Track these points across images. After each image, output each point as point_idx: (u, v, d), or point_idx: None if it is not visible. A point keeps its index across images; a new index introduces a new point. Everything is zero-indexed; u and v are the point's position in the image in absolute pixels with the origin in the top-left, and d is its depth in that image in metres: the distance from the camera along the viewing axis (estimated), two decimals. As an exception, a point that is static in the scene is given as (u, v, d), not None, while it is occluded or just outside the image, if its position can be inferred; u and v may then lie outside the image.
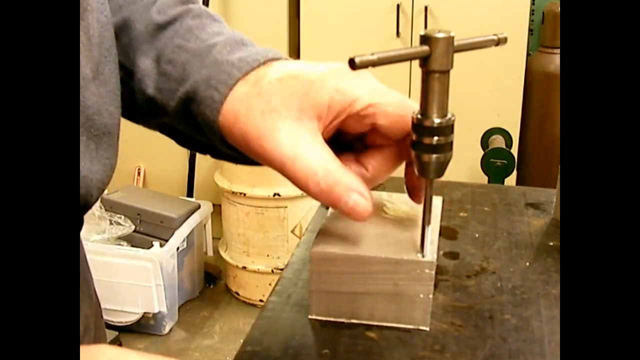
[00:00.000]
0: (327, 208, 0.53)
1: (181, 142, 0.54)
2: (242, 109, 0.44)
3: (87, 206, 0.45)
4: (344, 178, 0.42)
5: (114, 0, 0.53)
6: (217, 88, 0.45)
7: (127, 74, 0.51)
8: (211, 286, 2.64)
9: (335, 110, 0.44)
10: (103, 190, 0.47)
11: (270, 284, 2.37)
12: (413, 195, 0.48)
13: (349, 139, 0.47)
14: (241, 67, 0.46)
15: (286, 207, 2.28)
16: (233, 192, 2.34)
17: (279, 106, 0.44)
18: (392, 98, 0.44)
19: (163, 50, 0.50)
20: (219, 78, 0.46)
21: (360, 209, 0.42)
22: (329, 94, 0.43)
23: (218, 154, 0.51)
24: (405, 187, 0.49)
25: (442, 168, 0.43)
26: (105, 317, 2.03)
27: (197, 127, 0.48)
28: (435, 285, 0.50)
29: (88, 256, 0.57)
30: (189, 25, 0.51)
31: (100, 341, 0.61)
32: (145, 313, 2.22)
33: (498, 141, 2.35)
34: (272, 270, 2.40)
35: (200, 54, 0.48)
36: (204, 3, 2.41)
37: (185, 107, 0.48)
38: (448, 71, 0.41)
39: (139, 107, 0.51)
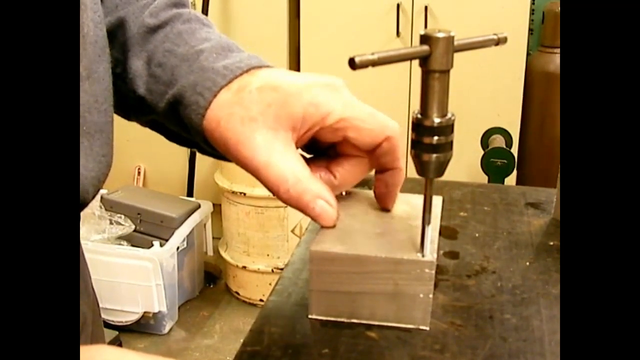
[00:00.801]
0: None
1: (169, 137, 0.56)
2: (224, 115, 0.47)
3: (84, 203, 0.47)
4: (312, 186, 0.46)
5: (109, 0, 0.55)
6: (202, 94, 0.48)
7: (124, 71, 0.54)
8: (211, 286, 2.64)
9: (309, 122, 0.47)
10: (99, 188, 0.50)
11: (270, 284, 2.38)
12: (381, 203, 0.52)
13: (322, 146, 0.51)
14: (225, 75, 0.49)
15: (286, 206, 2.28)
16: (233, 192, 2.35)
17: (257, 115, 0.47)
18: (363, 112, 0.48)
19: (154, 53, 0.52)
20: (204, 84, 0.48)
21: (326, 216, 0.46)
22: (304, 106, 0.47)
23: (202, 151, 0.54)
24: (374, 195, 0.52)
25: (442, 168, 0.43)
26: (105, 316, 2.04)
27: (184, 127, 0.50)
28: (436, 285, 0.50)
29: (88, 255, 0.58)
30: (179, 29, 0.53)
31: (98, 338, 0.62)
32: (145, 313, 2.22)
33: (498, 141, 2.35)
34: (272, 270, 2.40)
35: (188, 59, 0.51)
36: (204, 4, 2.42)
37: (173, 109, 0.50)
38: (448, 71, 0.41)
39: (130, 104, 0.54)
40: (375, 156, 0.49)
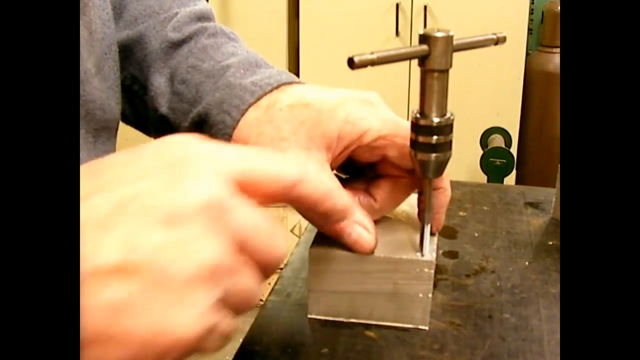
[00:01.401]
0: None
1: None
2: (252, 135, 0.44)
3: None
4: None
5: (129, 12, 0.53)
6: (229, 112, 0.45)
7: (142, 88, 0.51)
8: (210, 285, 2.64)
9: (345, 142, 0.44)
10: None
11: (269, 283, 2.36)
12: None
13: (360, 166, 0.47)
14: (254, 91, 0.46)
15: (285, 206, 2.28)
16: (232, 192, 2.34)
17: (289, 135, 0.44)
18: (402, 129, 0.44)
19: (177, 69, 0.50)
20: (232, 102, 0.46)
21: (363, 242, 0.43)
22: (339, 125, 0.43)
23: None
24: (418, 216, 0.48)
25: (441, 167, 0.43)
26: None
27: None
28: (435, 285, 0.50)
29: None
30: (204, 44, 0.50)
31: None
32: (144, 312, 2.22)
33: (497, 140, 2.35)
34: (272, 270, 2.40)
35: (214, 75, 0.48)
36: (203, 2, 2.41)
37: (197, 128, 0.47)
38: (447, 70, 0.41)
39: (152, 122, 0.51)
40: (418, 176, 0.45)
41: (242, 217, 0.31)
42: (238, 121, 0.45)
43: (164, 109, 0.49)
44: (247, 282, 0.31)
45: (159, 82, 0.50)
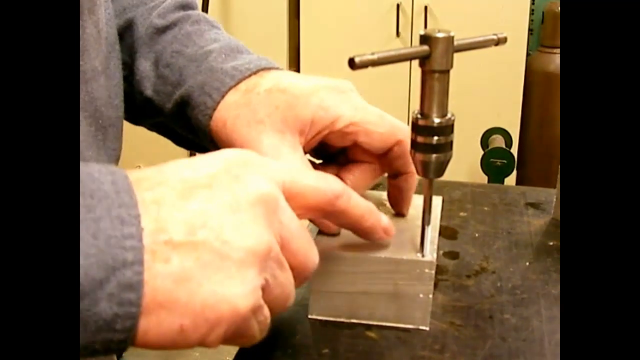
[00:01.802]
0: None
1: (176, 141, 0.56)
2: (230, 116, 0.46)
3: None
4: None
5: (118, 2, 0.55)
6: (210, 94, 0.47)
7: (130, 73, 0.52)
8: (211, 286, 2.64)
9: (318, 126, 0.46)
10: None
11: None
12: (396, 208, 0.50)
13: (332, 151, 0.49)
14: (234, 75, 0.48)
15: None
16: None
17: (264, 117, 0.46)
18: (373, 116, 0.46)
19: (162, 53, 0.52)
20: (213, 85, 0.48)
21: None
22: (313, 110, 0.45)
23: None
24: (388, 200, 0.51)
25: (442, 168, 0.43)
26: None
27: (191, 128, 0.49)
28: (435, 285, 0.50)
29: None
30: (188, 31, 0.52)
31: None
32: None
33: (498, 141, 2.35)
34: (272, 270, 2.40)
35: (197, 59, 0.50)
36: (204, 4, 2.41)
37: (180, 110, 0.50)
38: (448, 71, 0.41)
39: (137, 105, 0.53)
40: (387, 160, 0.48)
41: (289, 219, 0.35)
42: (218, 103, 0.47)
43: (148, 91, 0.51)
44: (286, 279, 0.35)
45: (144, 66, 0.52)
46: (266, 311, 0.34)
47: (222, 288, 0.31)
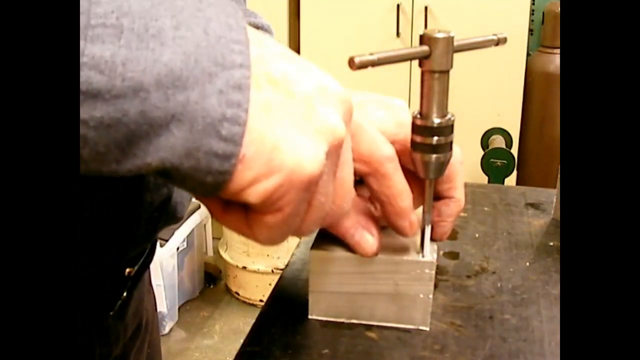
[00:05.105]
0: None
1: None
2: None
3: None
4: (352, 213, 0.42)
5: None
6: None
7: None
8: (211, 286, 2.64)
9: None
10: None
11: (270, 284, 2.37)
12: (433, 233, 0.46)
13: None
14: None
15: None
16: (233, 192, 2.34)
17: None
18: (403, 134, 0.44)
19: None
20: None
21: (365, 245, 0.43)
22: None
23: None
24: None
25: (442, 168, 0.43)
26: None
27: None
28: (435, 286, 0.50)
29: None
30: None
31: (155, 334, 0.64)
32: (145, 313, 2.22)
33: (498, 141, 2.35)
34: (272, 270, 2.40)
35: None
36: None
37: None
38: (448, 71, 0.41)
39: None
40: (419, 176, 0.43)
41: (345, 160, 0.36)
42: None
43: None
44: (346, 172, 0.36)
45: None
46: (323, 196, 0.35)
47: (296, 139, 0.32)
